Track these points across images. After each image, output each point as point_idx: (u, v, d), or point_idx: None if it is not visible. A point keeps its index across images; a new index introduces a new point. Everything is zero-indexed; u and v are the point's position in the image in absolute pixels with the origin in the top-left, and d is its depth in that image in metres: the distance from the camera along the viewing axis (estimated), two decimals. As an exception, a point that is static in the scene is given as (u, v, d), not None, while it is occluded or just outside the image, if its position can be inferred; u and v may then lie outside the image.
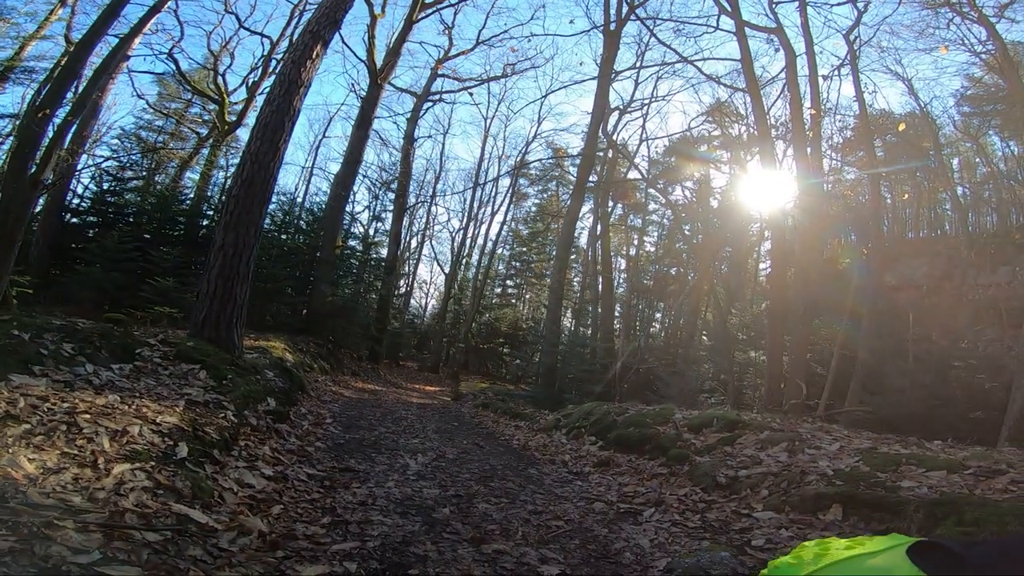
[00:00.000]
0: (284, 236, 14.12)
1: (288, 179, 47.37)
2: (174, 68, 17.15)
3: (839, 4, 11.37)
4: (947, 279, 14.35)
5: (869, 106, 11.85)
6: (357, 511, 3.13)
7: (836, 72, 10.55)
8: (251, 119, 14.98)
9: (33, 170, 5.62)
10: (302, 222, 15.01)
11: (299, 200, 19.80)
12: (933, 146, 14.69)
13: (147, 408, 3.28)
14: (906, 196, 15.38)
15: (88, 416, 2.85)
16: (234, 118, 17.59)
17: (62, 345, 3.66)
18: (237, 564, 2.07)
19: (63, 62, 7.83)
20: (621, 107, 19.09)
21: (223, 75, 18.44)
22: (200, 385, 4.15)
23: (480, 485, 4.01)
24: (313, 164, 24.96)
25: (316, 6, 6.32)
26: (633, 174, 19.93)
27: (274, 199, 14.98)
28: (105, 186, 13.14)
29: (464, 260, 27.58)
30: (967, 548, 0.37)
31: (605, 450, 5.63)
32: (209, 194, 16.32)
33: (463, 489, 3.83)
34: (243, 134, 17.41)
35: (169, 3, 9.69)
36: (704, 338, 21.00)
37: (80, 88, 6.71)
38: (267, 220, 14.20)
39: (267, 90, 6.91)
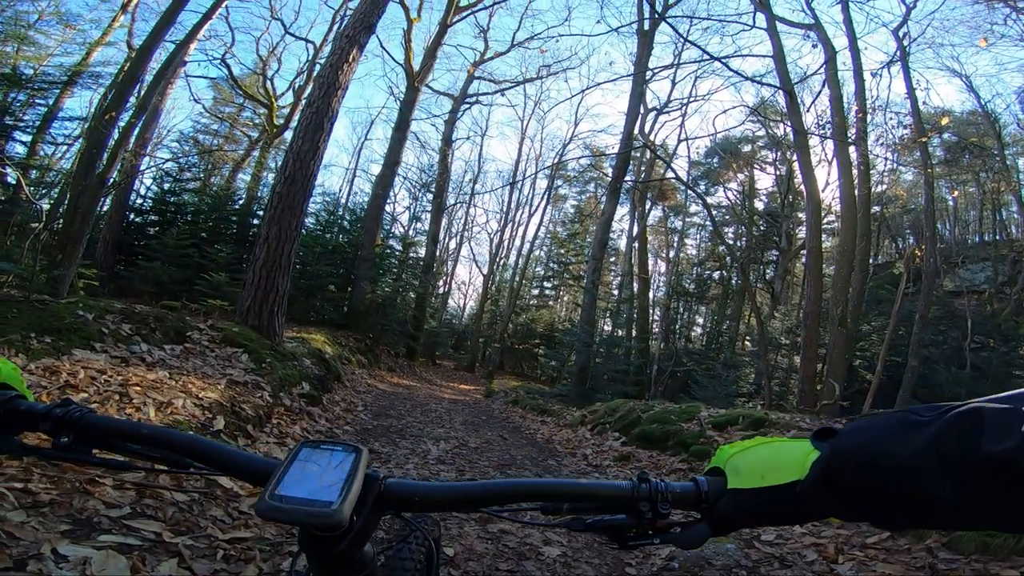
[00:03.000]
0: (328, 235, 14.66)
1: (332, 180, 48.74)
2: (227, 73, 18.12)
3: (882, -2, 10.89)
4: (1011, 284, 13.83)
5: (923, 103, 11.29)
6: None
7: (886, 68, 10.10)
8: (297, 122, 15.73)
9: (100, 170, 6.17)
10: (345, 222, 15.52)
11: (342, 200, 20.48)
12: (996, 145, 13.86)
13: (192, 384, 3.58)
14: (955, 193, 14.57)
15: (139, 388, 3.16)
16: (282, 121, 18.45)
17: (121, 326, 4.03)
18: (252, 526, 2.27)
19: (126, 67, 8.42)
20: (658, 107, 18.88)
21: (271, 80, 19.42)
22: (242, 367, 4.46)
23: (497, 472, 4.14)
24: (356, 165, 25.76)
25: (353, 11, 6.62)
26: (671, 175, 19.61)
27: (319, 199, 15.68)
28: (166, 186, 14.06)
29: (501, 261, 27.78)
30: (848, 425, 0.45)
31: (627, 445, 5.66)
32: (259, 194, 17.19)
33: (479, 474, 3.98)
34: (290, 136, 18.24)
35: (220, 10, 10.26)
36: (748, 343, 20.47)
37: (142, 92, 7.25)
38: (311, 220, 14.87)
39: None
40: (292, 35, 19.30)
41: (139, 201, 14.04)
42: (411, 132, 18.68)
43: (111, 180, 6.54)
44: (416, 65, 15.60)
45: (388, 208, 22.38)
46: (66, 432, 0.51)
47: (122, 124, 6.83)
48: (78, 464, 0.56)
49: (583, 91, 27.00)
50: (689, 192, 19.21)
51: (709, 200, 20.84)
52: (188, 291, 10.22)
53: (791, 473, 0.44)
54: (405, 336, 16.74)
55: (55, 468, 2.00)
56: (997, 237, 16.66)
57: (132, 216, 13.62)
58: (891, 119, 11.97)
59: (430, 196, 20.74)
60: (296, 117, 16.88)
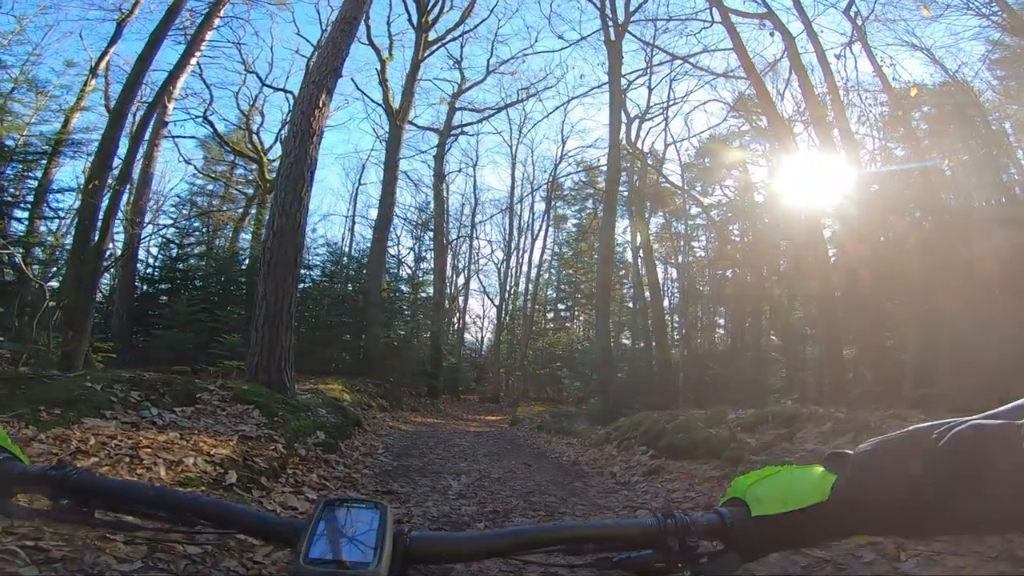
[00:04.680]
0: (337, 285, 14.81)
1: (334, 230, 49.05)
2: (212, 131, 18.20)
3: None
4: None
5: (893, 80, 11.36)
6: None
7: (847, 49, 10.14)
8: (277, 174, 15.95)
9: (95, 241, 6.31)
10: (350, 270, 15.70)
11: (345, 249, 20.58)
12: (978, 112, 13.78)
13: (203, 442, 3.55)
14: (947, 162, 14.49)
15: (150, 450, 3.13)
16: (274, 175, 18.76)
17: (130, 393, 4.03)
18: (267, 576, 2.19)
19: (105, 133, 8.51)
20: (640, 115, 19.03)
21: (257, 134, 19.42)
22: (254, 422, 4.43)
23: (520, 500, 4.00)
24: (354, 212, 25.34)
25: (317, 56, 6.77)
26: (666, 183, 19.71)
27: (322, 250, 15.89)
28: (173, 253, 14.39)
29: (512, 289, 27.73)
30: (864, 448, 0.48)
31: (656, 459, 5.47)
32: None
33: (502, 505, 3.84)
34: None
35: (192, 67, 10.41)
36: (773, 338, 20.00)
37: (130, 156, 7.40)
38: (317, 272, 15.10)
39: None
40: (270, 87, 19.22)
41: (147, 271, 14.37)
42: (401, 171, 18.92)
43: (108, 251, 6.68)
44: (395, 104, 15.97)
45: (392, 251, 22.74)
46: (65, 494, 0.50)
47: (108, 191, 6.97)
48: (79, 524, 0.53)
49: (559, 107, 27.46)
50: (686, 195, 19.18)
51: (708, 200, 20.80)
52: (204, 354, 10.31)
53: (812, 497, 0.47)
54: (424, 375, 16.69)
55: (67, 527, 1.98)
56: (1003, 199, 16.41)
57: (145, 286, 13.92)
58: (866, 98, 11.96)
59: (431, 234, 20.89)
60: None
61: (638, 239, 19.60)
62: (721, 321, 26.62)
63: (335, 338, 12.73)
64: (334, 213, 32.04)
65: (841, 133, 9.63)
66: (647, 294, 19.92)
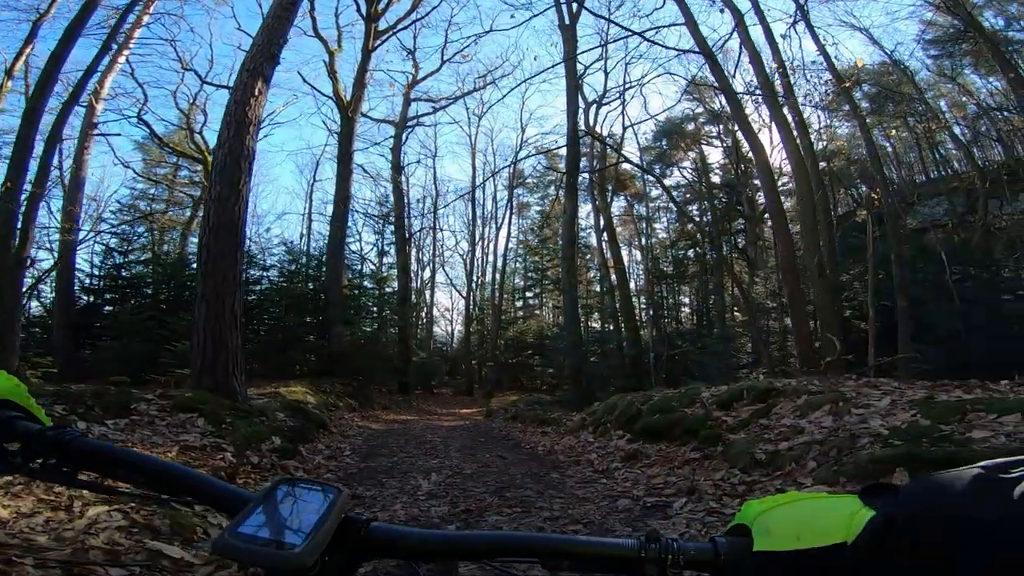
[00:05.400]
0: (298, 284, 14.20)
1: (291, 230, 48.45)
2: (148, 131, 17.08)
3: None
4: (972, 213, 14.20)
5: (836, 59, 11.66)
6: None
7: (792, 29, 10.25)
8: (212, 167, 15.03)
9: (16, 247, 5.72)
10: (310, 270, 15.12)
11: (302, 248, 19.97)
12: (915, 90, 14.39)
13: (135, 462, 3.17)
14: (892, 133, 15.31)
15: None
16: (218, 173, 17.73)
17: (52, 408, 3.60)
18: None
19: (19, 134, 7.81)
20: (597, 99, 18.93)
21: (200, 133, 18.13)
22: (198, 431, 4.05)
23: (495, 497, 3.77)
24: (311, 209, 24.93)
25: (252, 43, 6.26)
26: (625, 163, 19.77)
27: (278, 250, 15.17)
28: (117, 260, 13.47)
29: (479, 280, 27.62)
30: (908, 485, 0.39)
31: (633, 442, 5.32)
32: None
33: (475, 503, 3.60)
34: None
35: (121, 66, 9.65)
36: (737, 314, 20.46)
37: (55, 159, 6.79)
38: (275, 272, 14.45)
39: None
40: (211, 84, 18.14)
41: (90, 281, 13.41)
42: (357, 165, 18.56)
43: (28, 259, 6.07)
44: (347, 96, 15.35)
45: (354, 247, 22.31)
46: (53, 454, 0.52)
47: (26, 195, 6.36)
48: (61, 484, 0.55)
49: (517, 86, 27.36)
50: (646, 177, 19.34)
51: (667, 182, 21.12)
52: (154, 364, 9.68)
53: (834, 535, 0.37)
54: (394, 372, 16.33)
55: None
56: (942, 172, 17.39)
57: (89, 297, 13.00)
58: (812, 76, 12.22)
59: (393, 228, 20.41)
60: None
61: (601, 222, 19.62)
62: (686, 300, 27.30)
63: (296, 339, 12.20)
64: (290, 212, 31.13)
65: (791, 109, 9.72)
66: (613, 277, 20.08)
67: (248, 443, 4.17)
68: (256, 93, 5.65)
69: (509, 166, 23.27)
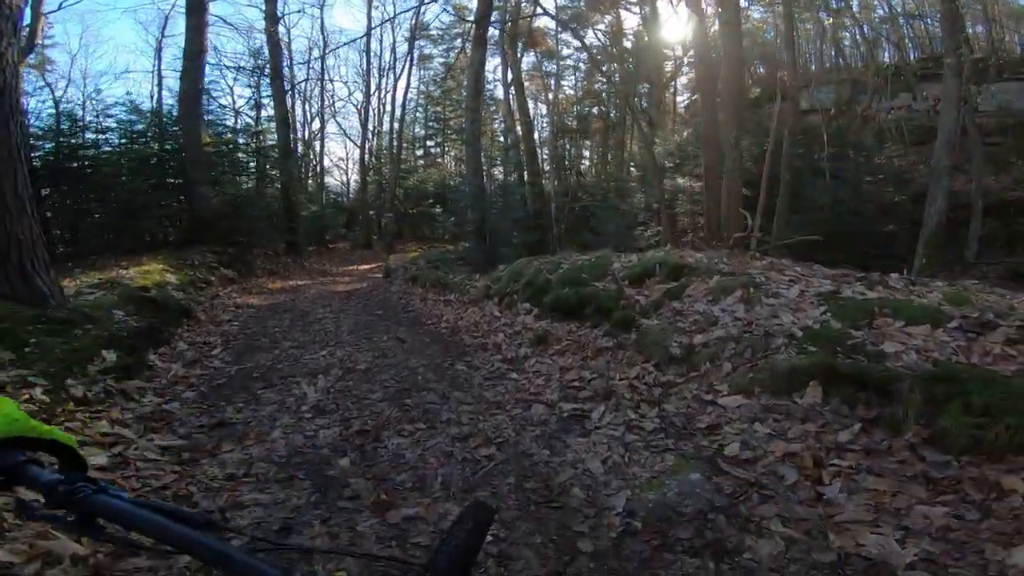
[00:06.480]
0: (142, 144, 11.65)
1: (141, 88, 43.01)
2: None
3: None
4: (854, 103, 15.91)
5: None
6: (223, 493, 2.38)
7: None
8: None
9: None
10: (166, 128, 12.41)
11: (153, 106, 17.04)
12: None
13: None
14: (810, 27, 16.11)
15: None
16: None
17: None
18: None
19: None
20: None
21: None
22: (-15, 362, 3.04)
23: (394, 407, 3.33)
24: (160, 67, 21.29)
25: None
26: (544, 14, 17.92)
27: (116, 110, 12.30)
28: None
29: (376, 129, 25.52)
30: None
31: (541, 319, 5.06)
32: None
33: (371, 419, 3.14)
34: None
35: None
36: (632, 169, 20.67)
37: None
38: (115, 134, 11.92)
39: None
40: None
41: None
42: (215, 16, 15.66)
43: None
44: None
45: (224, 101, 19.47)
46: (72, 511, 0.50)
47: None
48: (84, 536, 0.52)
49: None
50: (560, 34, 17.79)
51: (579, 43, 19.96)
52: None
53: None
54: (278, 231, 14.83)
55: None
56: (837, 62, 18.43)
57: None
58: None
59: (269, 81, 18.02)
60: None
61: (510, 76, 18.80)
62: (587, 154, 27.53)
63: (148, 206, 10.27)
64: (134, 70, 25.64)
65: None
66: (519, 129, 19.42)
67: (68, 367, 3.24)
68: None
69: (410, 10, 20.29)
